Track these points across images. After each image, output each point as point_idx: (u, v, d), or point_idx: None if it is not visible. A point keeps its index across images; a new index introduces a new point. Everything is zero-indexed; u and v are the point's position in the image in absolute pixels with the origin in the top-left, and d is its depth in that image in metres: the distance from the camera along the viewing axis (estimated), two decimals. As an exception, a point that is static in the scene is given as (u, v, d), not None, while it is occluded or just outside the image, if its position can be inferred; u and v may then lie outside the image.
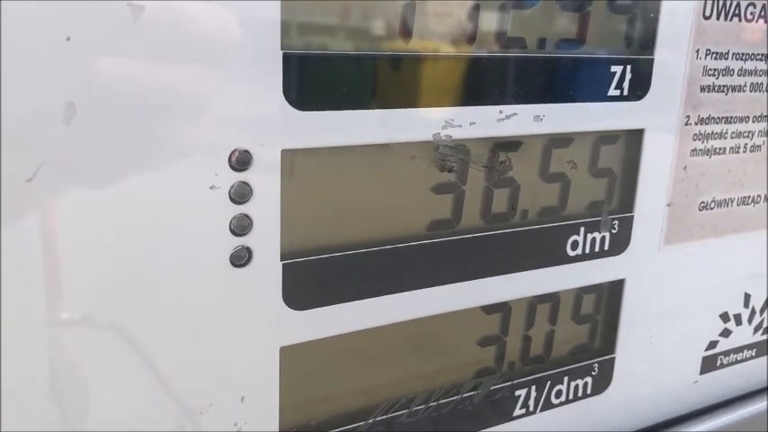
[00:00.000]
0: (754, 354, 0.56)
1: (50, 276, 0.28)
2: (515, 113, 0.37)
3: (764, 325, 0.56)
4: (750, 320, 0.55)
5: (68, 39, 0.25)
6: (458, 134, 0.36)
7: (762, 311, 0.55)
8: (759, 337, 0.56)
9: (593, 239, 0.44)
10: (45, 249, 0.27)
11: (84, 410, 0.30)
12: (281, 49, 0.31)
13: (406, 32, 0.34)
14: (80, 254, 0.28)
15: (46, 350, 0.28)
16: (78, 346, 0.29)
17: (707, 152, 0.47)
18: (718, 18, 0.45)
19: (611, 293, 0.47)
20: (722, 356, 0.54)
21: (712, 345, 0.53)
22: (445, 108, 0.35)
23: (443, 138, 0.36)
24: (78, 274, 0.28)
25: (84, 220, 0.28)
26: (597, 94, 0.41)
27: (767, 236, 0.52)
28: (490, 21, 0.37)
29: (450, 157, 0.36)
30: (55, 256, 0.28)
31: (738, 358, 0.55)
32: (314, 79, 0.32)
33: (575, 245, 0.43)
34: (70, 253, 0.28)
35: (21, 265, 0.27)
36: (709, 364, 0.54)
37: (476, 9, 0.36)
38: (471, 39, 0.36)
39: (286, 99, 0.32)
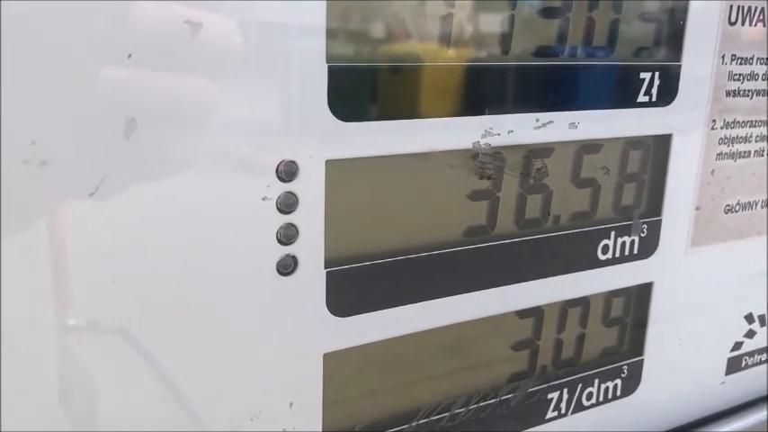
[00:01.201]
0: (777, 354, 0.57)
1: (100, 284, 0.28)
2: (551, 121, 0.38)
3: (788, 325, 0.56)
4: (776, 321, 0.55)
5: (130, 56, 0.26)
6: (496, 142, 0.37)
7: (785, 312, 0.56)
8: (782, 337, 0.57)
9: (623, 243, 0.45)
10: (104, 259, 0.28)
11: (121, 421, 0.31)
12: (327, 63, 0.32)
13: (445, 43, 0.35)
14: (131, 264, 0.29)
15: (84, 358, 0.29)
16: (121, 355, 0.30)
17: (732, 156, 0.48)
18: (743, 24, 0.45)
19: (640, 296, 0.48)
20: (747, 357, 0.55)
21: (737, 346, 0.54)
22: (484, 117, 0.36)
23: (482, 146, 0.36)
24: (128, 284, 0.29)
25: (138, 231, 0.29)
26: (627, 100, 0.42)
27: (791, 237, 0.53)
28: (524, 31, 0.37)
29: (488, 164, 0.37)
30: (109, 265, 0.28)
31: (762, 359, 0.56)
32: (357, 91, 0.33)
33: (605, 249, 0.44)
34: (120, 263, 0.29)
35: (76, 272, 0.28)
36: (734, 365, 0.54)
37: (510, 19, 0.37)
38: (506, 48, 0.37)
39: (331, 111, 0.32)
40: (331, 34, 0.31)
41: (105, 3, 0.25)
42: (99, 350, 0.29)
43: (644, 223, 0.45)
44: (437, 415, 0.40)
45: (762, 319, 0.55)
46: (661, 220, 0.46)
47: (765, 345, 0.56)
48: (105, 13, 0.25)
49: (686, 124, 0.45)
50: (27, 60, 0.25)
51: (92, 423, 0.30)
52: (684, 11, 0.42)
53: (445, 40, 0.35)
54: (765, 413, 0.53)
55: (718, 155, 0.47)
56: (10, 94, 0.25)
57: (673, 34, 0.43)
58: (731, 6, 0.44)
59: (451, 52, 0.35)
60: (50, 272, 0.27)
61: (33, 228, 0.26)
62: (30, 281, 0.27)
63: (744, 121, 0.48)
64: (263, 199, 0.31)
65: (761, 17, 0.46)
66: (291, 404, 0.34)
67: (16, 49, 0.24)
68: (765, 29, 0.46)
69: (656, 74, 0.42)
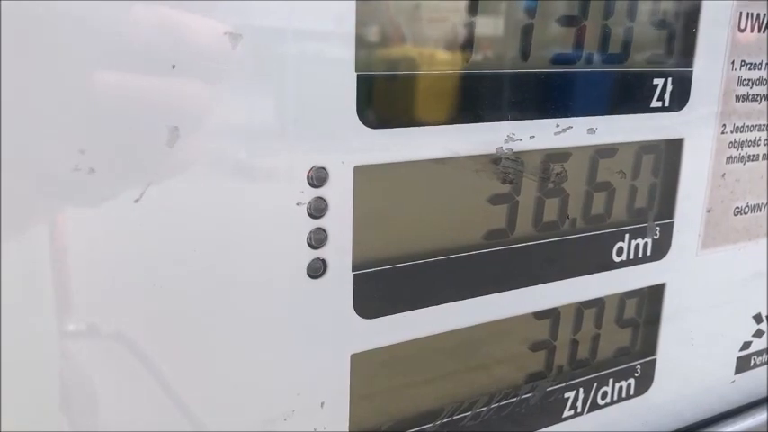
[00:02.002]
0: (785, 353, 0.58)
1: (140, 289, 0.29)
2: (571, 126, 0.39)
3: (795, 325, 0.57)
4: (782, 321, 0.56)
5: (174, 66, 0.27)
6: (518, 147, 0.38)
7: (792, 312, 0.57)
8: (789, 336, 0.58)
9: (637, 245, 0.46)
10: (145, 263, 0.29)
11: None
12: (356, 71, 0.33)
13: (468, 52, 0.36)
14: (170, 268, 0.30)
15: (108, 364, 0.30)
16: (152, 360, 0.30)
17: (741, 159, 0.49)
18: (752, 30, 0.46)
19: (652, 297, 0.49)
20: (755, 356, 0.56)
21: (746, 345, 0.55)
22: (507, 123, 0.37)
23: (505, 151, 0.37)
24: (166, 287, 0.30)
25: (177, 235, 0.30)
26: (641, 105, 0.43)
27: (798, 239, 0.54)
28: (542, 39, 0.38)
29: (510, 169, 0.38)
30: (149, 270, 0.29)
31: (770, 358, 0.57)
32: (385, 99, 0.34)
33: (620, 251, 0.45)
34: (160, 268, 0.29)
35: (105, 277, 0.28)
36: (743, 364, 0.55)
37: (529, 28, 0.38)
38: (525, 56, 0.38)
39: (359, 118, 0.33)
40: (360, 44, 0.32)
41: (151, 16, 0.26)
42: (123, 357, 0.30)
43: (657, 226, 0.46)
44: (460, 414, 0.41)
45: (770, 318, 0.56)
46: (673, 222, 0.47)
47: (773, 344, 0.57)
48: (151, 26, 0.26)
49: (697, 128, 0.46)
50: (77, 73, 0.25)
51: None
52: (696, 18, 0.44)
53: (468, 48, 0.36)
54: None
55: (728, 158, 0.48)
56: (60, 105, 0.25)
57: (685, 41, 0.44)
58: (740, 13, 0.45)
59: (474, 60, 0.36)
60: (83, 275, 0.28)
61: (83, 231, 0.27)
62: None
63: (753, 125, 0.49)
64: (298, 204, 0.32)
65: (769, 24, 0.47)
66: (322, 404, 0.35)
67: (66, 63, 0.25)
68: (773, 35, 0.48)
69: (669, 80, 0.43)
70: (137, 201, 0.28)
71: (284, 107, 0.31)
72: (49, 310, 0.28)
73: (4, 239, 0.26)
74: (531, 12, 0.37)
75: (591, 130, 0.40)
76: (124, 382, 0.30)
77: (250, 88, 0.30)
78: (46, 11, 0.25)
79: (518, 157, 0.38)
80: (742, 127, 0.48)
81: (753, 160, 0.50)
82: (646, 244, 0.46)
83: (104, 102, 0.26)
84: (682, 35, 0.44)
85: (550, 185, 0.41)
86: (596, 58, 0.41)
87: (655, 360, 0.50)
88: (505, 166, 0.38)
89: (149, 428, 0.31)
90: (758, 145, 0.50)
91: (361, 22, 0.32)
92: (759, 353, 0.56)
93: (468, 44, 0.36)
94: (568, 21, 0.39)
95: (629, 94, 0.42)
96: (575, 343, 0.46)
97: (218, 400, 0.33)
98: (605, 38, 0.41)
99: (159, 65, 0.27)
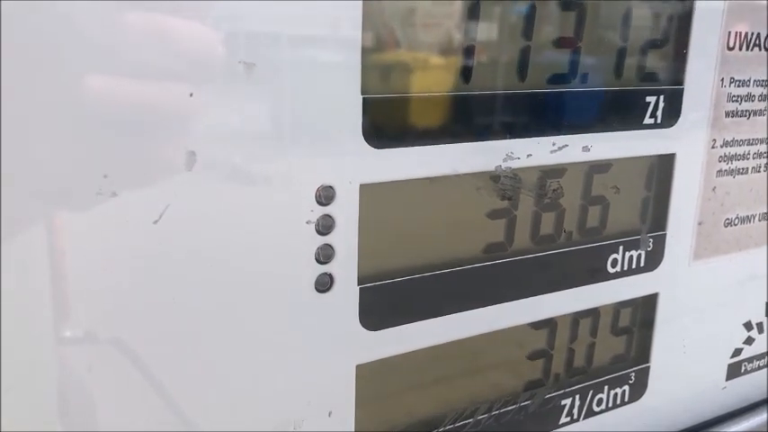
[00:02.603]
0: (775, 360, 0.59)
1: (155, 300, 0.31)
2: (566, 144, 0.41)
3: (785, 332, 0.59)
4: (772, 328, 0.58)
5: (191, 95, 0.28)
6: (516, 165, 0.39)
7: (782, 319, 0.59)
8: (779, 343, 0.59)
9: (631, 257, 0.47)
10: (162, 277, 0.30)
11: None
12: (361, 95, 0.34)
13: (468, 73, 0.37)
14: (184, 282, 0.31)
15: (104, 372, 0.31)
16: (157, 371, 0.32)
17: (731, 173, 0.51)
18: (740, 49, 0.48)
19: (646, 307, 0.50)
20: (746, 363, 0.58)
21: (737, 352, 0.57)
22: (506, 141, 0.38)
23: (504, 169, 0.39)
24: (179, 300, 0.31)
25: (193, 254, 0.31)
26: (635, 122, 0.44)
27: (787, 249, 0.56)
28: (539, 60, 0.40)
29: (509, 186, 0.39)
30: (166, 283, 0.31)
31: (761, 365, 0.59)
32: (389, 120, 0.35)
33: (614, 262, 0.47)
34: (175, 283, 0.31)
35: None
36: (734, 371, 0.57)
37: (526, 50, 0.39)
38: (523, 76, 0.40)
39: (365, 139, 0.35)
40: (366, 69, 0.34)
41: (170, 45, 0.28)
42: (132, 370, 0.31)
43: (650, 238, 0.48)
44: (462, 421, 0.42)
45: (760, 326, 0.57)
46: (666, 234, 0.48)
47: (763, 351, 0.58)
48: (170, 55, 0.28)
49: (689, 144, 0.48)
50: (99, 101, 0.27)
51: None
52: (686, 38, 0.45)
53: (468, 70, 0.37)
54: (765, 416, 0.56)
55: (718, 172, 0.50)
56: (84, 132, 0.27)
57: (676, 60, 0.45)
58: (729, 32, 0.47)
59: (474, 82, 0.38)
60: (106, 294, 0.29)
61: (104, 252, 0.28)
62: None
63: (742, 140, 0.50)
64: (307, 222, 0.33)
65: (756, 42, 0.49)
66: (330, 413, 0.36)
67: (89, 91, 0.27)
68: (761, 52, 0.49)
69: (661, 97, 0.45)
70: (155, 222, 0.29)
71: (293, 130, 0.32)
72: (71, 324, 0.29)
73: (27, 257, 0.27)
74: (527, 34, 0.39)
75: (586, 148, 0.42)
76: (129, 395, 0.31)
77: (261, 112, 0.31)
78: (66, 38, 0.26)
79: (516, 175, 0.40)
80: (731, 141, 0.50)
81: (742, 173, 0.51)
82: (639, 255, 0.48)
83: (126, 128, 0.27)
84: (673, 54, 0.45)
85: (547, 201, 0.42)
86: (591, 77, 0.42)
87: (648, 367, 0.51)
88: (504, 183, 0.39)
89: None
90: (747, 159, 0.51)
91: (366, 46, 0.33)
92: (750, 359, 0.58)
93: (468, 66, 0.37)
94: (564, 42, 0.40)
95: (622, 112, 0.44)
96: (571, 352, 0.48)
97: (229, 411, 0.34)
98: (599, 58, 0.42)
99: (177, 92, 0.28)
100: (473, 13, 0.37)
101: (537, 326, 0.45)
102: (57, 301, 0.28)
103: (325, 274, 0.35)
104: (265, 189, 0.32)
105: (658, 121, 0.45)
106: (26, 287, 0.28)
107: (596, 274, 0.46)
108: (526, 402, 0.45)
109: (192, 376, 0.32)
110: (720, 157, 0.50)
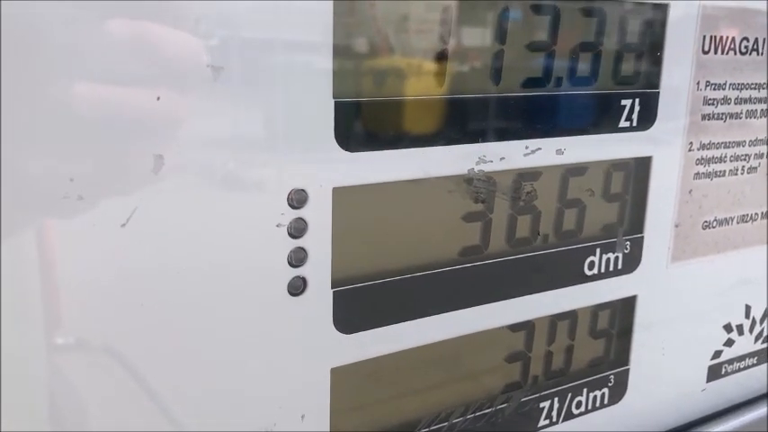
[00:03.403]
0: (755, 362, 0.60)
1: (128, 308, 0.31)
2: (540, 148, 0.41)
3: (765, 334, 0.59)
4: (751, 330, 0.58)
5: (159, 98, 0.28)
6: (489, 168, 0.39)
7: (761, 321, 0.59)
8: (759, 345, 0.60)
9: (608, 259, 0.47)
10: (133, 284, 0.30)
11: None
12: (333, 98, 0.34)
13: (441, 77, 0.38)
14: (156, 289, 0.31)
15: (85, 379, 0.31)
16: (123, 377, 0.32)
17: (709, 175, 0.51)
18: (716, 52, 0.48)
19: (625, 309, 0.50)
20: (726, 365, 0.58)
21: (717, 354, 0.57)
22: (478, 145, 0.39)
23: (477, 172, 0.39)
24: (151, 307, 0.31)
25: (161, 258, 0.31)
26: (610, 125, 0.45)
27: (766, 250, 0.56)
28: (512, 63, 0.40)
29: (482, 189, 0.39)
30: (137, 290, 0.31)
31: (741, 366, 0.59)
32: (361, 123, 0.36)
33: (591, 265, 0.47)
34: (146, 289, 0.31)
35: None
36: (714, 373, 0.57)
37: (500, 53, 0.39)
38: (497, 81, 0.40)
39: (337, 142, 0.35)
40: (337, 72, 0.34)
41: (137, 49, 0.28)
42: (110, 371, 0.31)
43: (627, 240, 0.48)
44: (437, 425, 0.42)
45: (740, 328, 0.58)
46: (643, 237, 0.49)
47: (743, 353, 0.58)
48: (138, 59, 0.28)
49: (665, 147, 0.48)
50: (66, 106, 0.27)
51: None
52: (661, 42, 0.46)
53: (441, 74, 0.38)
54: (746, 417, 0.56)
55: (695, 174, 0.50)
56: (50, 136, 0.27)
57: (651, 63, 0.46)
58: (704, 36, 0.47)
59: (447, 85, 0.38)
60: (73, 296, 0.29)
61: (72, 254, 0.28)
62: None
63: (719, 143, 0.51)
64: (278, 226, 0.34)
65: (732, 46, 0.49)
66: (303, 417, 0.36)
67: (55, 95, 0.27)
68: (736, 56, 0.50)
69: (637, 100, 0.45)
70: (123, 225, 0.29)
71: (264, 133, 0.32)
72: (40, 327, 0.29)
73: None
74: (501, 38, 0.39)
75: (559, 151, 0.42)
76: (110, 395, 0.31)
77: (230, 114, 0.31)
78: (32, 42, 0.26)
79: (489, 178, 0.40)
80: (708, 144, 0.50)
81: (719, 176, 0.52)
82: (617, 258, 0.48)
83: (92, 132, 0.28)
84: (648, 57, 0.45)
85: (521, 204, 0.42)
86: (565, 81, 0.42)
87: (628, 370, 0.52)
88: (477, 186, 0.39)
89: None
90: (724, 161, 0.52)
91: (338, 51, 0.34)
92: (730, 361, 0.58)
93: (442, 70, 0.38)
94: (538, 46, 0.41)
95: (597, 115, 0.44)
96: (549, 354, 0.48)
97: (200, 414, 0.34)
98: (574, 61, 0.42)
99: (145, 96, 0.28)
100: (447, 16, 0.37)
101: (514, 328, 0.45)
102: (35, 307, 0.28)
103: (298, 277, 0.35)
104: (236, 192, 0.32)
105: (634, 124, 0.46)
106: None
107: (573, 276, 0.46)
108: (503, 405, 0.45)
109: (159, 381, 0.32)
110: (697, 159, 0.50)
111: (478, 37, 0.39)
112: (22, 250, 0.28)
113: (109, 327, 0.30)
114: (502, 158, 0.40)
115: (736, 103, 0.51)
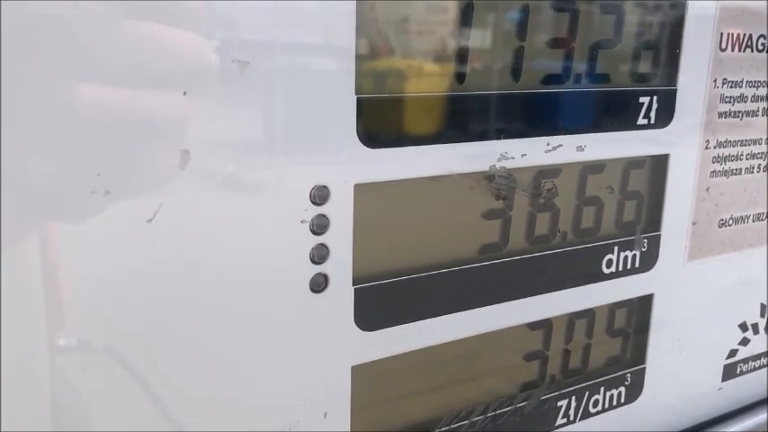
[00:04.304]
0: (770, 361, 0.59)
1: (145, 305, 0.30)
2: (561, 144, 0.41)
3: (780, 333, 0.59)
4: (767, 329, 0.58)
5: (185, 93, 0.28)
6: (510, 165, 0.39)
7: (777, 320, 0.59)
8: (774, 344, 0.59)
9: (626, 257, 0.47)
10: (154, 280, 0.30)
11: None
12: (355, 94, 0.34)
13: (462, 74, 0.38)
14: (173, 284, 0.31)
15: (92, 381, 0.31)
16: (134, 377, 0.31)
17: (725, 173, 0.51)
18: (732, 50, 0.48)
19: (641, 307, 0.50)
20: (742, 364, 0.58)
21: (733, 353, 0.57)
22: (500, 142, 0.39)
23: (498, 169, 0.39)
24: (170, 302, 0.31)
25: (187, 253, 0.31)
26: (628, 123, 0.44)
27: (781, 249, 0.56)
28: (533, 60, 0.40)
29: (503, 186, 0.39)
30: (157, 286, 0.31)
31: (756, 365, 0.59)
32: (383, 120, 0.35)
33: (609, 263, 0.47)
34: (166, 284, 0.31)
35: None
36: (730, 372, 0.57)
37: (521, 50, 0.39)
38: (517, 77, 0.40)
39: (359, 139, 0.35)
40: (360, 68, 0.34)
41: (163, 44, 0.28)
42: (104, 373, 0.30)
43: (645, 238, 0.48)
44: (457, 423, 0.42)
45: (755, 327, 0.57)
46: (660, 235, 0.48)
47: (759, 351, 0.58)
48: (164, 54, 0.28)
49: (682, 144, 0.48)
50: (94, 101, 0.27)
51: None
52: (679, 39, 0.45)
53: (462, 70, 0.37)
54: (763, 417, 0.56)
55: (712, 172, 0.50)
56: (79, 132, 0.27)
57: (669, 61, 0.46)
58: (722, 34, 0.47)
59: (468, 82, 0.38)
60: (97, 293, 0.29)
61: (97, 250, 0.28)
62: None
63: (735, 141, 0.51)
64: (301, 222, 0.33)
65: (749, 43, 0.49)
66: (326, 414, 0.36)
67: (83, 90, 0.27)
68: (753, 54, 0.49)
69: (654, 98, 0.45)
70: (149, 221, 0.29)
71: (287, 129, 0.32)
72: (62, 326, 0.29)
73: (20, 258, 0.27)
74: (521, 35, 0.39)
75: (580, 148, 0.42)
76: (122, 397, 0.31)
77: (255, 111, 0.31)
78: (58, 41, 0.26)
79: (510, 174, 0.40)
80: (725, 142, 0.50)
81: (736, 174, 0.52)
82: (634, 256, 0.48)
83: (120, 127, 0.27)
84: (666, 55, 0.45)
85: (541, 201, 0.42)
86: (584, 77, 0.42)
87: (644, 368, 0.51)
88: (498, 183, 0.39)
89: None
90: (741, 159, 0.51)
91: (360, 48, 0.34)
92: (745, 360, 0.58)
93: (463, 67, 0.38)
94: (557, 42, 0.41)
95: (616, 112, 0.44)
96: (567, 353, 0.48)
97: (223, 413, 0.34)
98: (593, 58, 0.42)
99: (171, 91, 0.28)
100: (467, 14, 0.37)
101: (533, 326, 0.45)
102: (51, 305, 0.28)
103: (320, 274, 0.35)
104: (260, 189, 0.32)
105: (652, 121, 0.46)
106: (21, 289, 0.28)
107: (591, 274, 0.46)
108: (522, 404, 0.45)
109: (185, 378, 0.32)
110: (714, 157, 0.50)
111: (499, 34, 0.39)
112: (47, 246, 0.28)
113: (130, 323, 0.30)
114: (523, 155, 0.40)
115: (752, 101, 0.50)
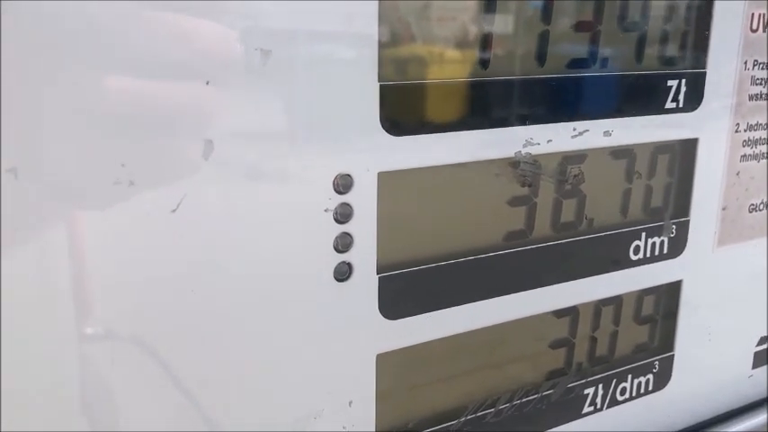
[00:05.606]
0: (801, 348, 0.58)
1: (166, 293, 0.31)
2: (587, 130, 0.40)
3: (811, 319, 0.58)
4: (798, 316, 0.57)
5: (208, 83, 0.28)
6: (536, 151, 0.39)
7: (808, 306, 0.57)
8: (806, 331, 0.58)
9: (654, 244, 0.47)
10: (179, 270, 0.30)
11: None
12: (378, 81, 0.34)
13: (486, 60, 0.37)
14: (199, 273, 0.31)
15: (120, 369, 0.31)
16: (178, 366, 0.32)
17: (755, 157, 0.50)
18: (764, 30, 0.47)
19: (670, 294, 0.49)
20: (772, 351, 0.57)
21: (763, 340, 0.56)
22: (525, 127, 0.38)
23: (524, 155, 0.38)
24: (194, 291, 0.31)
25: (208, 243, 0.31)
26: (656, 107, 0.44)
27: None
28: (558, 44, 0.39)
29: (529, 172, 0.39)
30: (183, 276, 0.31)
31: (787, 353, 0.58)
32: (407, 107, 0.35)
33: (636, 249, 0.46)
34: (192, 274, 0.31)
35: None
36: (760, 359, 0.56)
37: (545, 34, 0.39)
38: (542, 61, 0.39)
39: (382, 126, 0.34)
40: (383, 55, 0.33)
41: (186, 33, 0.27)
42: (135, 361, 0.31)
43: (673, 224, 0.47)
44: (483, 411, 0.42)
45: (786, 313, 0.56)
46: (689, 220, 0.48)
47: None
48: (187, 44, 0.28)
49: (711, 128, 0.47)
50: (118, 91, 0.27)
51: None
52: (708, 20, 0.44)
53: (486, 56, 0.37)
54: (764, 416, 0.55)
55: (742, 156, 0.49)
56: (102, 123, 0.27)
57: (697, 43, 0.45)
58: (752, 14, 0.46)
59: (492, 67, 0.37)
60: (122, 283, 0.29)
61: (121, 241, 0.28)
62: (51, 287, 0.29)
63: (766, 123, 0.50)
64: (325, 210, 0.33)
65: (781, 24, 0.48)
66: (351, 403, 0.36)
67: (107, 81, 0.27)
68: (785, 35, 0.48)
69: (683, 81, 0.44)
70: (173, 211, 0.29)
71: (311, 117, 0.32)
72: (88, 316, 0.29)
73: (47, 249, 0.27)
74: (546, 18, 0.38)
75: (607, 133, 0.41)
76: (149, 384, 0.31)
77: (277, 99, 0.31)
78: (82, 32, 0.26)
79: (536, 161, 0.39)
80: (755, 125, 0.49)
81: (766, 157, 0.50)
82: (662, 242, 0.47)
83: (144, 117, 0.27)
84: (694, 37, 0.44)
85: (568, 187, 0.42)
86: (611, 61, 0.42)
87: (673, 356, 0.51)
88: (524, 169, 0.39)
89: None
90: (772, 142, 0.50)
91: (383, 35, 0.33)
92: (776, 347, 0.57)
93: (487, 52, 0.37)
94: (583, 26, 0.40)
95: (643, 96, 0.43)
96: (594, 340, 0.47)
97: (248, 402, 0.34)
98: (619, 42, 0.41)
99: (194, 81, 0.28)
100: (490, -2, 0.36)
101: (559, 314, 0.45)
102: (78, 295, 0.28)
103: (344, 262, 0.35)
104: (283, 178, 0.32)
105: (680, 105, 0.45)
106: (47, 281, 0.28)
107: (619, 261, 0.46)
108: (548, 392, 0.44)
109: (210, 368, 0.32)
110: (744, 141, 0.49)
111: (523, 18, 0.38)
112: (71, 237, 0.28)
113: (162, 315, 0.30)
114: (549, 141, 0.39)
115: (784, 83, 0.49)
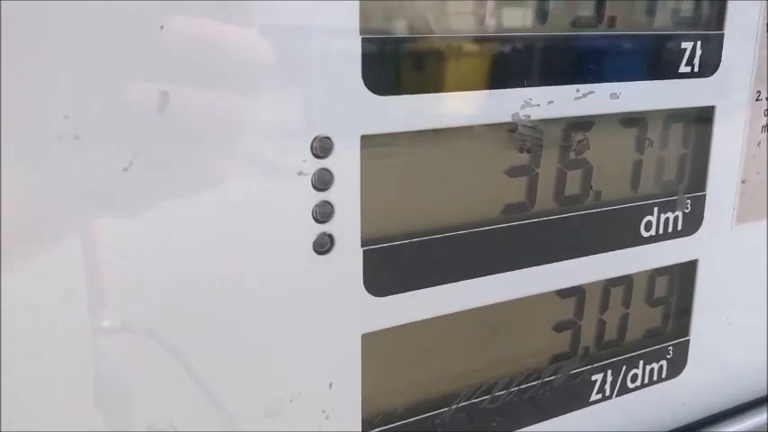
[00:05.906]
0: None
1: (134, 275, 0.28)
2: (592, 92, 0.37)
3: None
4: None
5: (162, 27, 0.25)
6: (536, 114, 0.36)
7: (835, 290, 0.54)
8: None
9: (667, 219, 0.43)
10: (136, 242, 0.28)
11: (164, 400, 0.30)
12: (360, 34, 0.31)
13: (482, 13, 0.34)
14: (163, 246, 0.29)
15: (118, 356, 0.29)
16: (155, 346, 0.30)
17: (778, 127, 0.46)
18: (788, -10, 0.44)
19: (685, 274, 0.46)
20: (795, 338, 0.53)
21: (786, 325, 0.52)
22: (524, 88, 0.35)
23: (522, 118, 0.35)
24: (161, 268, 0.29)
25: (170, 209, 0.28)
26: (669, 71, 0.40)
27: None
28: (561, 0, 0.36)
29: (528, 137, 0.36)
30: (142, 250, 0.28)
31: (811, 339, 0.54)
32: (393, 63, 0.32)
33: (648, 225, 0.43)
34: (152, 244, 0.28)
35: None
36: (782, 346, 0.53)
37: (547, -12, 0.36)
38: (543, 18, 0.36)
39: (365, 84, 0.32)
40: (364, 6, 0.31)
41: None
42: (133, 348, 0.29)
43: (688, 198, 0.44)
44: (478, 397, 0.39)
45: (810, 297, 0.53)
46: (705, 195, 0.44)
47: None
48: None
49: (730, 95, 0.44)
50: (61, 33, 0.24)
51: (127, 423, 0.29)
52: (727, -23, 0.41)
53: (482, 9, 0.34)
54: (764, 416, 0.51)
55: (763, 126, 0.46)
56: (43, 68, 0.24)
57: (715, 3, 0.41)
58: (775, -28, 0.43)
59: (488, 23, 0.34)
60: (83, 271, 0.27)
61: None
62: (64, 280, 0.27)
63: (789, 91, 0.46)
64: (299, 174, 0.30)
65: (806, -19, 0.44)
66: (330, 384, 0.34)
67: (50, 22, 0.24)
68: (811, -5, 0.45)
69: (699, 43, 0.41)
70: (126, 169, 0.26)
71: (280, 69, 0.29)
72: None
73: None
74: (548, -29, 0.35)
75: (614, 95, 0.38)
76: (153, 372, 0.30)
77: (246, 48, 0.28)
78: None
79: (535, 125, 0.36)
80: (778, 93, 0.46)
81: (790, 128, 0.47)
82: (676, 218, 0.44)
83: (90, 64, 0.25)
84: (712, -5, 0.41)
85: (572, 155, 0.39)
86: (619, 20, 0.38)
87: (688, 341, 0.48)
88: (522, 133, 0.36)
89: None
90: (796, 112, 0.47)
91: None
92: (800, 333, 0.53)
93: (482, 5, 0.34)
94: (588, -19, 0.37)
95: (654, 59, 0.40)
96: (602, 323, 0.44)
97: (219, 383, 0.31)
98: (629, -2, 0.38)
99: (146, 25, 0.25)
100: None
101: (563, 294, 0.42)
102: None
103: (325, 234, 0.32)
104: (252, 137, 0.29)
105: (695, 69, 0.41)
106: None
107: (629, 237, 0.42)
108: (551, 377, 0.41)
109: (177, 340, 0.30)
110: (766, 110, 0.46)
111: (522, -30, 0.35)
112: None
113: (142, 297, 0.28)
114: (550, 102, 0.36)
115: (810, 47, 0.46)
